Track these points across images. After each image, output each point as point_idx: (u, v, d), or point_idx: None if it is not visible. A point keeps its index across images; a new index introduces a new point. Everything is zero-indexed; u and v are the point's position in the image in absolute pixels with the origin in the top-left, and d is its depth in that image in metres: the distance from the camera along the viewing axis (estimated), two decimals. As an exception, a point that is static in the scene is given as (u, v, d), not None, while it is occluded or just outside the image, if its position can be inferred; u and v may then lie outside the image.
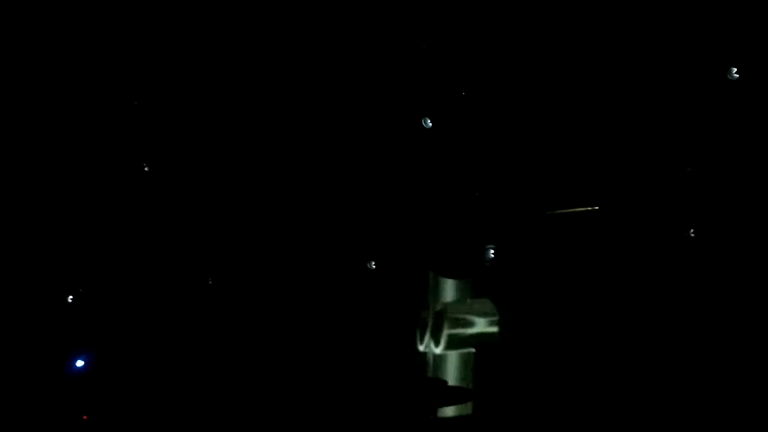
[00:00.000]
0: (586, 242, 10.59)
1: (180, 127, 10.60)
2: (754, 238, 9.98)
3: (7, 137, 10.40)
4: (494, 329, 10.92)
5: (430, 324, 11.17)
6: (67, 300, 10.98)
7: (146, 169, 10.27)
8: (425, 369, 11.14)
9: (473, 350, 10.86)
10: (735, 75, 9.10)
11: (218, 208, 11.09)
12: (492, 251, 10.61)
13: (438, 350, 11.08)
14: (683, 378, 9.93)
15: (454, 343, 11.01)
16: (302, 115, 10.31)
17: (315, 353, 11.08)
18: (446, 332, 11.00)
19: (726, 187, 10.04)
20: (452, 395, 10.74)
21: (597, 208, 10.51)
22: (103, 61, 9.98)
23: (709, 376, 9.86)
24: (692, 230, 10.12)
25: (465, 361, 10.98)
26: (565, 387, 10.31)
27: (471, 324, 11.03)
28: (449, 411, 10.66)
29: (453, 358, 11.06)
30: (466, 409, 10.62)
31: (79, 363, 11.06)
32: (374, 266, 10.97)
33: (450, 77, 10.04)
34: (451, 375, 10.99)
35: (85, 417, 10.94)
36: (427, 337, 11.12)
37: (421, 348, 11.16)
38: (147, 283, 11.23)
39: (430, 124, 10.00)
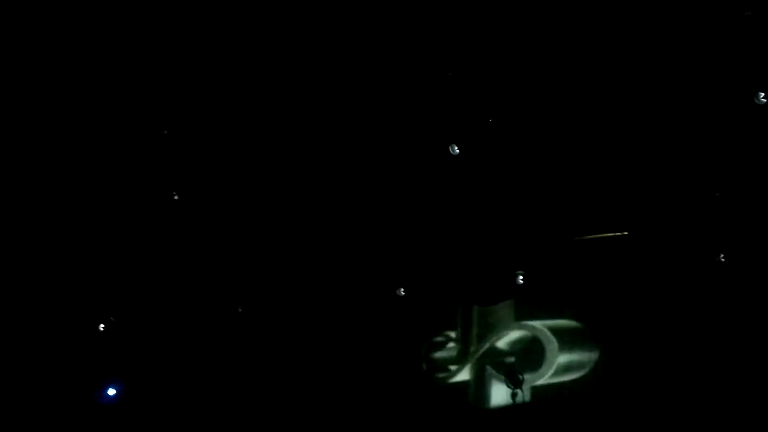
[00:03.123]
0: (615, 267, 10.58)
1: (208, 151, 10.61)
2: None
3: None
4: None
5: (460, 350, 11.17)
6: (99, 328, 11.05)
7: (176, 198, 10.33)
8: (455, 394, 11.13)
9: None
10: (762, 99, 9.06)
11: (247, 234, 11.12)
12: (521, 277, 10.61)
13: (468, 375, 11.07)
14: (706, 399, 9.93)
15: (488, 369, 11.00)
16: (331, 142, 10.34)
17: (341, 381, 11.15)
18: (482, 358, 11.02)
19: (755, 211, 10.01)
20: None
21: (626, 233, 10.49)
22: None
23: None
24: (722, 255, 10.10)
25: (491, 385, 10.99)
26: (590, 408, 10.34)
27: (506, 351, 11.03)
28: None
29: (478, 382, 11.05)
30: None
31: (111, 392, 11.12)
32: (403, 293, 10.99)
33: (477, 103, 10.05)
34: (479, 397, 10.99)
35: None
36: (459, 362, 11.13)
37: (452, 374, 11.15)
38: (177, 311, 11.29)
39: (458, 150, 10.00)
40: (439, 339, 11.22)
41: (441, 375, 11.15)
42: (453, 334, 11.19)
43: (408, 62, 9.78)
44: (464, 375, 11.07)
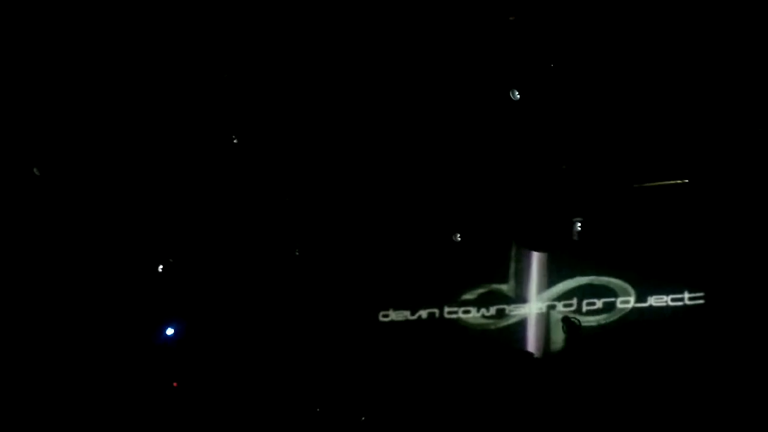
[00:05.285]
0: (675, 215, 10.51)
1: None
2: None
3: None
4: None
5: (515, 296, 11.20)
6: (158, 269, 11.15)
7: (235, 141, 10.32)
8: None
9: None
10: None
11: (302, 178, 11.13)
12: (579, 224, 10.56)
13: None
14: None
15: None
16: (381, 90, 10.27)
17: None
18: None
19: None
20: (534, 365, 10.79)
21: (687, 181, 10.39)
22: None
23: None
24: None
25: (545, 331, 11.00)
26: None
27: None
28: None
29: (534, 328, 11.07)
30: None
31: (170, 331, 11.25)
32: (459, 238, 10.99)
33: (537, 48, 9.93)
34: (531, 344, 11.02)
35: (175, 384, 11.14)
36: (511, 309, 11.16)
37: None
38: (234, 255, 11.38)
39: (518, 95, 9.91)
40: (497, 285, 11.22)
41: (499, 320, 11.17)
42: (511, 281, 11.17)
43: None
44: (523, 321, 11.06)
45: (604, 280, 10.86)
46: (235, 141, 10.27)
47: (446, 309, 11.30)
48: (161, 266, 11.11)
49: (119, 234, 11.02)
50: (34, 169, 10.20)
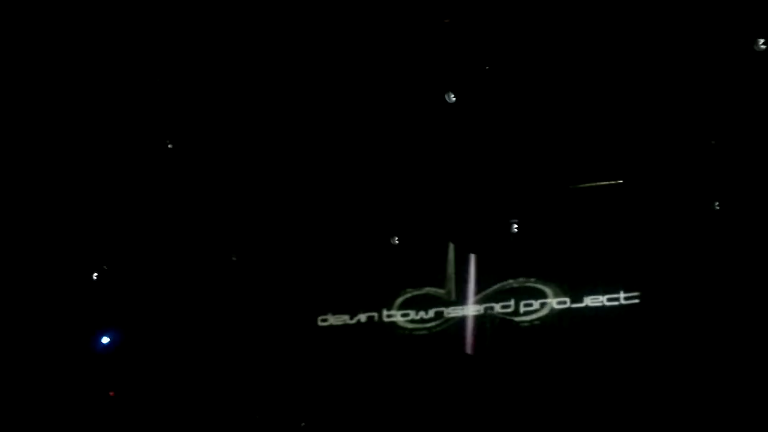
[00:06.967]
0: (610, 215, 10.60)
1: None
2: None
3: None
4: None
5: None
6: (92, 277, 11.04)
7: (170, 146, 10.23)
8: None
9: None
10: (762, 46, 8.99)
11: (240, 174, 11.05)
12: (515, 226, 10.63)
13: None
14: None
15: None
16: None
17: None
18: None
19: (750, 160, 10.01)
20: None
21: (621, 181, 10.49)
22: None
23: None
24: (717, 203, 10.12)
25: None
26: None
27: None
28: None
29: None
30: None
31: (105, 340, 11.15)
32: (397, 241, 11.02)
33: (473, 51, 9.97)
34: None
35: (111, 393, 11.04)
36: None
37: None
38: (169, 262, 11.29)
39: (454, 98, 9.95)
40: (435, 288, 11.24)
41: (437, 323, 11.19)
42: (449, 283, 11.20)
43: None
44: (461, 323, 11.10)
45: (541, 280, 10.92)
46: (169, 146, 10.22)
47: (385, 312, 11.30)
48: (95, 274, 11.00)
49: (53, 241, 10.90)
50: None
